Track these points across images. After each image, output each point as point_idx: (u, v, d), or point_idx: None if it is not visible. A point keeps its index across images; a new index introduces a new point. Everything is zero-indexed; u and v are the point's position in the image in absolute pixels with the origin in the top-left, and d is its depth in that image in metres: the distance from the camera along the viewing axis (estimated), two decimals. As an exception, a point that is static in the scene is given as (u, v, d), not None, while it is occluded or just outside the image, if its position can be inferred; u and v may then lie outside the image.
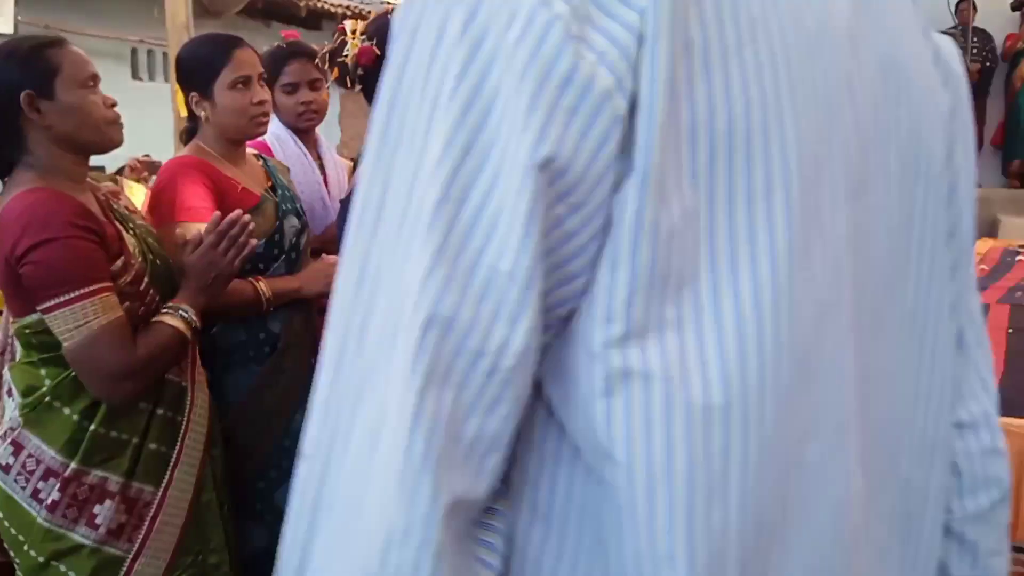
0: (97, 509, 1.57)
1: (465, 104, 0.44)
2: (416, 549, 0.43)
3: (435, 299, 0.44)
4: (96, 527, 1.57)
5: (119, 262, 1.56)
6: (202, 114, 1.90)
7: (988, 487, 0.65)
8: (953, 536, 0.65)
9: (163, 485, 1.64)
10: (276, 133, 2.36)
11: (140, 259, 1.64)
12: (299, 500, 0.48)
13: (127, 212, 1.72)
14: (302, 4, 8.18)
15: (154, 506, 1.63)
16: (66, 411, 1.56)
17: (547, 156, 0.43)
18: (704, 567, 0.47)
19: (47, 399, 1.56)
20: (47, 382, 1.56)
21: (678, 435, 0.46)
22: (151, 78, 7.92)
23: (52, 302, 1.47)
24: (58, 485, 1.55)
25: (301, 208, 2.06)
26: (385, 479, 0.44)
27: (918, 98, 0.57)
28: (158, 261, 1.70)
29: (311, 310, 2.03)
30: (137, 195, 3.13)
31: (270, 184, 2.02)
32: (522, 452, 0.51)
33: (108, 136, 1.62)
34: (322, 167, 2.46)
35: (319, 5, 8.40)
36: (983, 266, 4.10)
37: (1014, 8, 6.99)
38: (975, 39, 6.95)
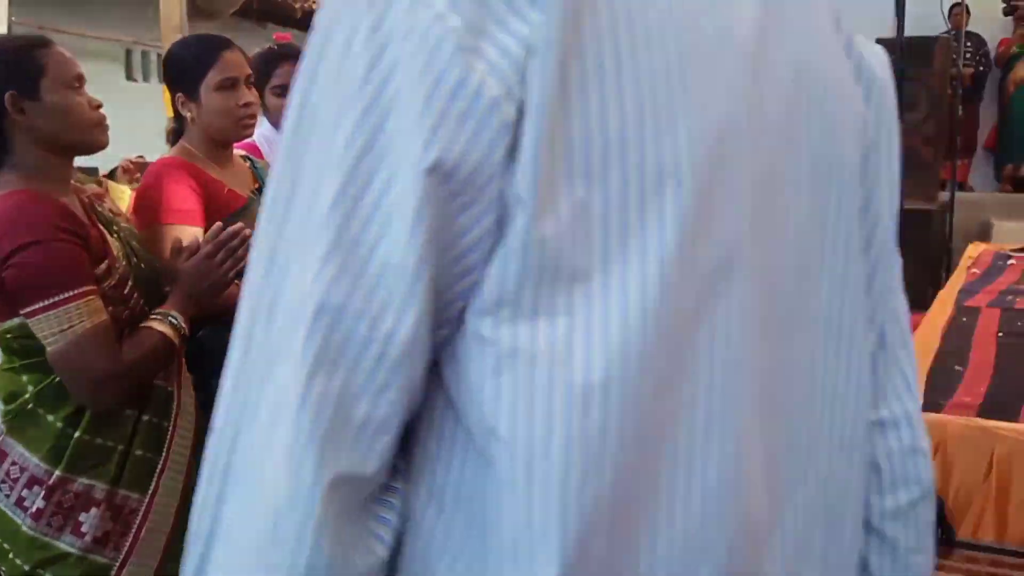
0: (83, 517, 1.55)
1: (366, 108, 0.48)
2: (300, 520, 0.48)
3: (327, 288, 0.48)
4: (82, 535, 1.55)
5: (103, 265, 1.55)
6: (188, 115, 1.89)
7: (908, 485, 0.66)
8: (873, 532, 0.67)
9: (150, 492, 1.63)
10: (265, 135, 2.36)
11: (124, 262, 1.63)
12: (210, 468, 0.52)
13: (111, 215, 1.71)
14: (297, 6, 8.17)
15: (140, 513, 1.61)
16: (50, 418, 1.54)
17: (436, 159, 0.47)
18: (575, 541, 0.50)
19: (30, 406, 1.54)
20: (29, 388, 1.55)
21: (558, 412, 0.49)
22: (145, 79, 7.90)
23: (36, 306, 1.46)
24: (43, 493, 1.53)
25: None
26: (278, 453, 0.48)
27: (832, 105, 0.59)
28: (142, 264, 1.69)
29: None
30: (124, 198, 3.12)
31: (257, 186, 2.01)
32: (423, 435, 0.55)
33: (93, 137, 1.61)
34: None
35: (314, 7, 8.40)
36: (975, 270, 4.11)
37: (1006, 13, 7.00)
38: (968, 43, 6.97)
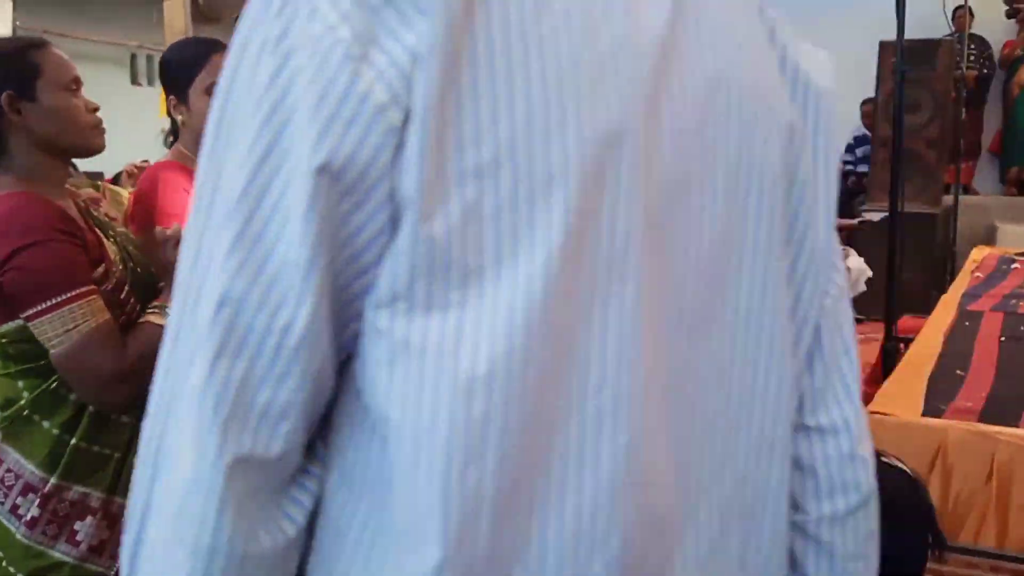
0: (78, 526, 1.54)
1: (269, 112, 0.52)
2: (204, 497, 0.52)
3: (230, 280, 0.52)
4: (77, 544, 1.54)
5: (100, 269, 1.55)
6: (180, 118, 1.89)
7: (846, 492, 0.67)
8: (809, 538, 0.68)
9: (146, 499, 1.62)
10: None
11: (121, 267, 1.62)
12: (144, 450, 0.56)
13: (107, 219, 1.71)
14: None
15: (136, 520, 1.60)
16: (45, 424, 1.53)
17: (324, 161, 0.51)
18: (457, 523, 0.53)
19: (26, 412, 1.53)
20: (25, 394, 1.53)
21: (443, 402, 0.52)
22: (150, 83, 7.92)
23: (37, 308, 1.45)
24: (37, 501, 1.52)
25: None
26: (186, 435, 0.53)
27: (752, 113, 0.61)
28: (139, 269, 1.68)
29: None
30: (125, 204, 3.13)
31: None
32: (338, 421, 0.58)
33: (90, 141, 1.60)
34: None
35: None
36: (978, 274, 4.09)
37: (1009, 16, 6.98)
38: (972, 46, 6.95)
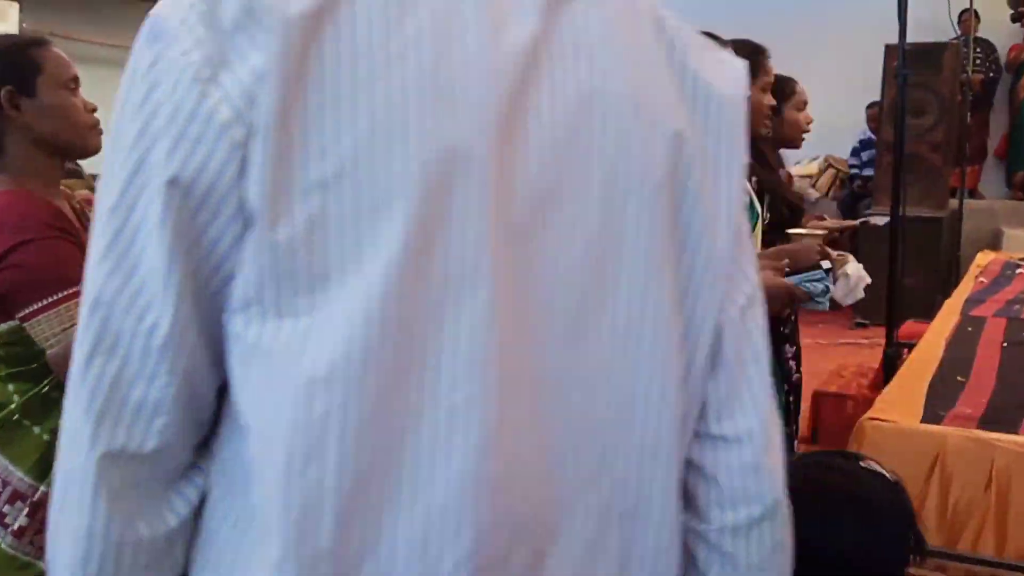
0: (68, 536, 1.52)
1: (139, 132, 0.57)
2: (79, 486, 0.58)
3: (101, 285, 0.57)
4: (66, 553, 1.52)
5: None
6: None
7: (748, 503, 0.67)
8: (713, 547, 0.68)
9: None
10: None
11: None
12: (62, 442, 0.61)
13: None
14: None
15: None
16: (36, 430, 1.51)
17: (174, 175, 0.55)
18: (298, 518, 0.56)
19: (15, 417, 1.51)
20: (15, 399, 1.51)
21: (286, 403, 0.56)
22: (155, 86, 7.93)
23: (32, 307, 1.44)
24: (26, 510, 1.49)
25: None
26: (67, 427, 0.59)
27: (629, 124, 0.62)
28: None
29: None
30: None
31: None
32: (220, 419, 0.62)
33: (87, 140, 1.60)
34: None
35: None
36: (982, 279, 4.07)
37: (1014, 20, 6.96)
38: (978, 49, 6.92)
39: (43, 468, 1.49)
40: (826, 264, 2.05)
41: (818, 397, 4.14)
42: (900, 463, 2.00)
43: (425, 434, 0.57)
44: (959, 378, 2.43)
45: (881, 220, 5.33)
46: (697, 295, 0.66)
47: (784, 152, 3.00)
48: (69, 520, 0.59)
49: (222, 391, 0.62)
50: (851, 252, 6.61)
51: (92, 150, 1.61)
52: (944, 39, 6.02)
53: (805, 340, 5.71)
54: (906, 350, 3.00)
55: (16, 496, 1.50)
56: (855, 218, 6.36)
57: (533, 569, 0.60)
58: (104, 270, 0.57)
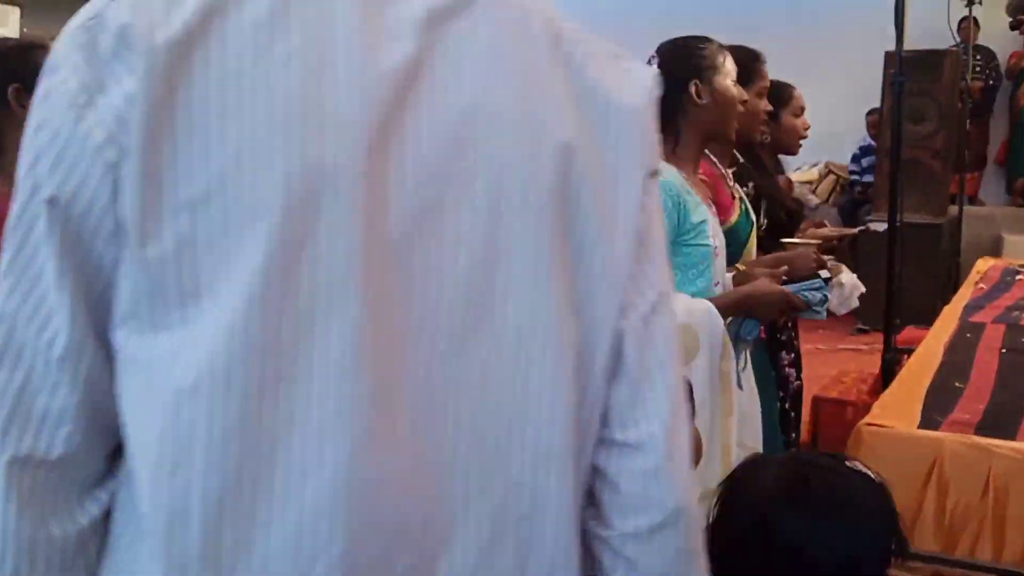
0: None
1: (35, 155, 0.61)
2: None
3: (4, 300, 0.61)
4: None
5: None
6: None
7: (648, 509, 0.67)
8: (616, 553, 0.69)
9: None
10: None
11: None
12: None
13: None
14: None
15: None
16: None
17: (52, 194, 0.60)
18: (166, 523, 0.59)
19: None
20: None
21: (157, 411, 0.59)
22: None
23: None
24: None
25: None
26: None
27: (513, 138, 0.64)
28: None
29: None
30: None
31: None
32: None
33: None
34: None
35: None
36: (982, 285, 4.07)
37: (1013, 27, 6.96)
38: (978, 56, 6.93)
39: None
40: (824, 273, 2.05)
41: (818, 403, 4.14)
42: (897, 468, 2.00)
43: (296, 443, 0.59)
44: (957, 384, 2.43)
45: (881, 226, 5.33)
46: (594, 303, 0.67)
47: (784, 158, 3.01)
48: None
49: None
50: (852, 259, 6.61)
51: None
52: (944, 46, 6.02)
53: (806, 346, 5.71)
54: (905, 356, 3.00)
55: None
56: (855, 224, 6.36)
57: (422, 573, 0.63)
58: (7, 285, 0.61)
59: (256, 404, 0.58)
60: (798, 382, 2.67)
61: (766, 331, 2.31)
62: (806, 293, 1.98)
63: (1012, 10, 6.91)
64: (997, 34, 7.00)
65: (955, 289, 4.26)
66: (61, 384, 0.61)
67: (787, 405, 2.57)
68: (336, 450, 0.59)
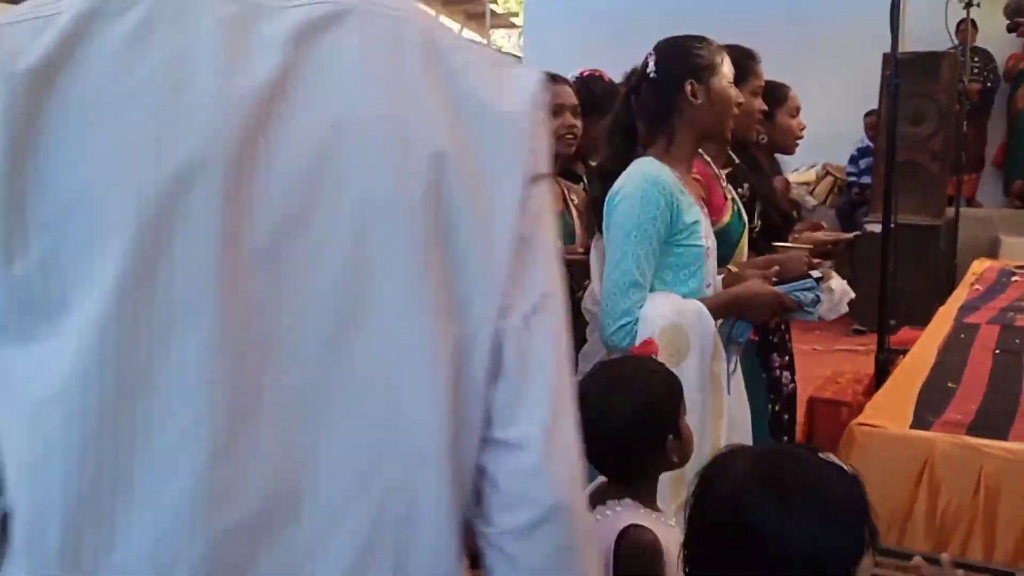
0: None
1: None
2: None
3: None
4: None
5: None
6: None
7: (527, 506, 0.68)
8: (497, 549, 0.70)
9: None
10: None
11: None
12: None
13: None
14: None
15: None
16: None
17: None
18: (27, 527, 0.63)
19: None
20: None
21: (23, 420, 0.62)
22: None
23: None
24: None
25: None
26: None
27: (381, 148, 0.65)
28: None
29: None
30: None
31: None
32: None
33: None
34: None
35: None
36: (977, 286, 4.08)
37: (1010, 30, 6.97)
38: (976, 59, 6.93)
39: None
40: (816, 273, 2.05)
41: (813, 403, 4.14)
42: (889, 468, 2.01)
43: (155, 451, 0.62)
44: (950, 384, 2.44)
45: (879, 227, 5.34)
46: (472, 306, 0.68)
47: (782, 159, 3.01)
48: None
49: None
50: (849, 261, 6.61)
51: None
52: (942, 49, 6.03)
53: (802, 346, 5.72)
54: (901, 356, 3.01)
55: None
56: (853, 225, 6.37)
57: (300, 573, 0.65)
58: None
59: (113, 413, 0.61)
60: (792, 385, 2.66)
61: (758, 333, 2.30)
62: (798, 293, 1.97)
63: (1010, 13, 6.93)
64: (995, 36, 7.01)
65: (952, 290, 4.26)
66: None
67: (778, 407, 2.56)
68: (194, 459, 0.62)
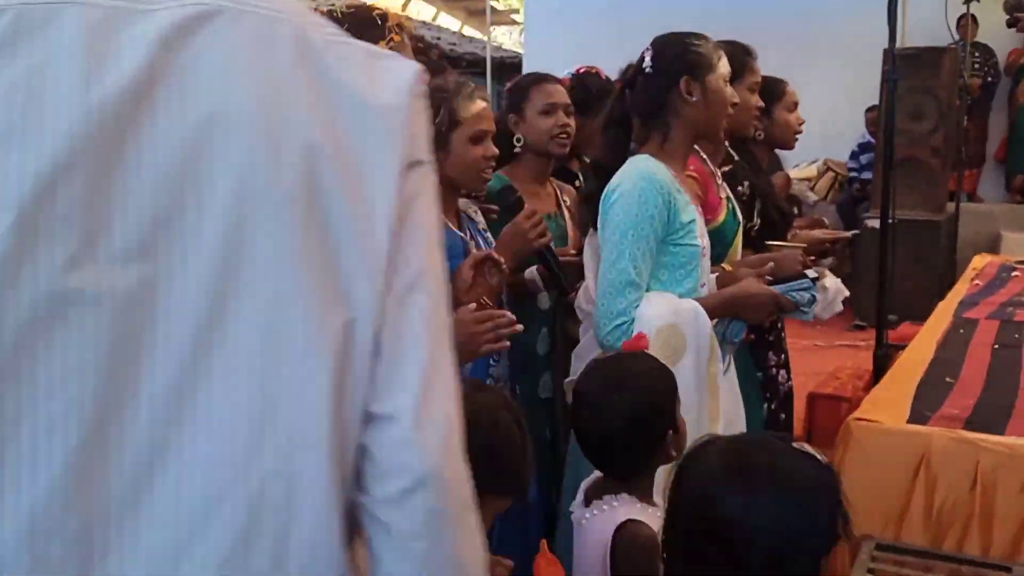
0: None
1: None
2: None
3: None
4: None
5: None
6: None
7: (399, 475, 0.72)
8: (373, 518, 0.73)
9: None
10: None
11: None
12: None
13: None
14: (316, 12, 8.20)
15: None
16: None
17: None
18: None
19: None
20: None
21: None
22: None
23: None
24: None
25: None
26: None
27: (254, 142, 0.68)
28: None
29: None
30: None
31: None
32: None
33: None
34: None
35: (319, 11, 8.42)
36: (977, 281, 4.08)
37: (1010, 25, 6.96)
38: (976, 54, 6.93)
39: None
40: (811, 273, 2.04)
41: (814, 399, 4.15)
42: (886, 463, 2.02)
43: (25, 439, 0.65)
44: (948, 379, 2.44)
45: (879, 223, 5.34)
46: (356, 289, 0.71)
47: (783, 155, 3.01)
48: None
49: None
50: (849, 257, 6.57)
51: None
52: (943, 44, 6.03)
53: (803, 342, 5.71)
54: (900, 352, 3.01)
55: None
56: (854, 221, 6.37)
57: (176, 552, 0.68)
58: None
59: None
60: (789, 383, 2.65)
61: (754, 332, 2.30)
62: (794, 293, 1.97)
63: (1009, 8, 6.92)
64: (996, 31, 7.01)
65: (953, 286, 4.26)
66: None
67: (773, 406, 2.56)
68: (64, 444, 0.65)
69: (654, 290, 1.90)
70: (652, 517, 1.51)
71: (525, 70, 6.91)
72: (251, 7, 0.71)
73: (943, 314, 3.32)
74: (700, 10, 4.59)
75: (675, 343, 1.83)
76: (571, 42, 6.69)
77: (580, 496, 1.65)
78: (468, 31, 13.79)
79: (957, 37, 5.99)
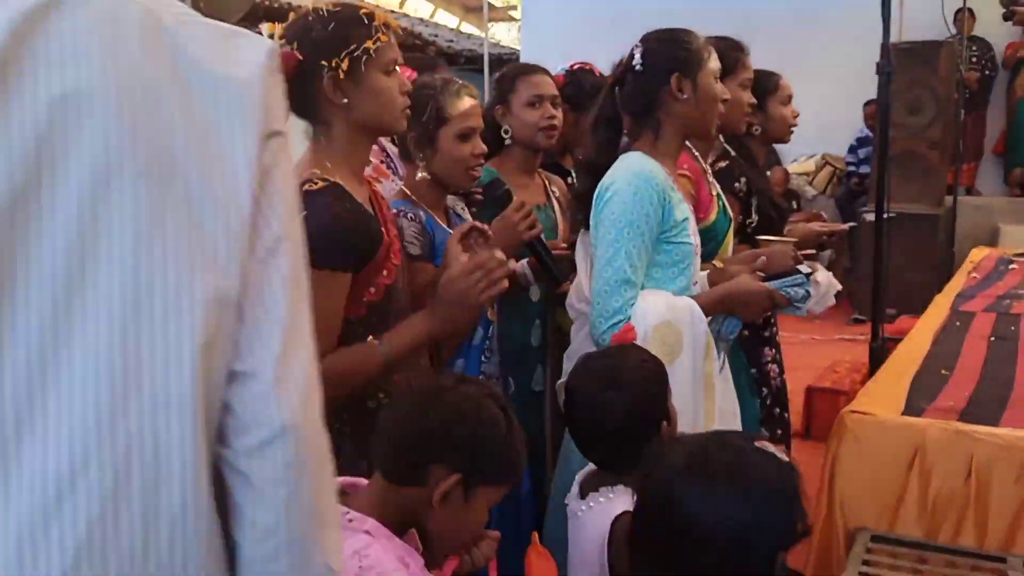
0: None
1: None
2: None
3: None
4: None
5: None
6: None
7: (258, 427, 0.76)
8: (235, 470, 0.77)
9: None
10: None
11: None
12: None
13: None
14: (301, 9, 8.20)
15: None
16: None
17: None
18: None
19: None
20: None
21: None
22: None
23: None
24: None
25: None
26: None
27: (109, 120, 0.71)
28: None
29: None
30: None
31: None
32: None
33: None
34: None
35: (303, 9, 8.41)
36: (975, 274, 4.08)
37: (1006, 18, 6.95)
38: (974, 48, 6.93)
39: None
40: (805, 268, 2.04)
41: (811, 392, 4.16)
42: (880, 455, 2.02)
43: None
44: (943, 371, 2.45)
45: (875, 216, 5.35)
46: (219, 255, 0.74)
47: (781, 149, 3.01)
48: None
49: None
50: (848, 250, 6.55)
51: None
52: (940, 38, 6.03)
53: (802, 336, 5.70)
54: (897, 345, 3.02)
55: None
56: (853, 214, 6.37)
57: (45, 516, 0.70)
58: None
59: None
60: (781, 378, 2.65)
61: (748, 328, 2.29)
62: (788, 289, 1.96)
63: (1006, 1, 6.92)
64: (993, 25, 7.00)
65: (951, 279, 4.27)
66: None
67: (769, 401, 2.56)
68: None
69: (647, 288, 1.89)
70: (647, 509, 1.52)
71: (523, 67, 6.88)
72: None
73: (940, 307, 3.33)
74: (697, 6, 4.59)
75: (672, 341, 1.83)
76: (568, 38, 6.68)
77: (575, 488, 1.66)
78: (466, 27, 13.79)
79: (954, 31, 6.01)
